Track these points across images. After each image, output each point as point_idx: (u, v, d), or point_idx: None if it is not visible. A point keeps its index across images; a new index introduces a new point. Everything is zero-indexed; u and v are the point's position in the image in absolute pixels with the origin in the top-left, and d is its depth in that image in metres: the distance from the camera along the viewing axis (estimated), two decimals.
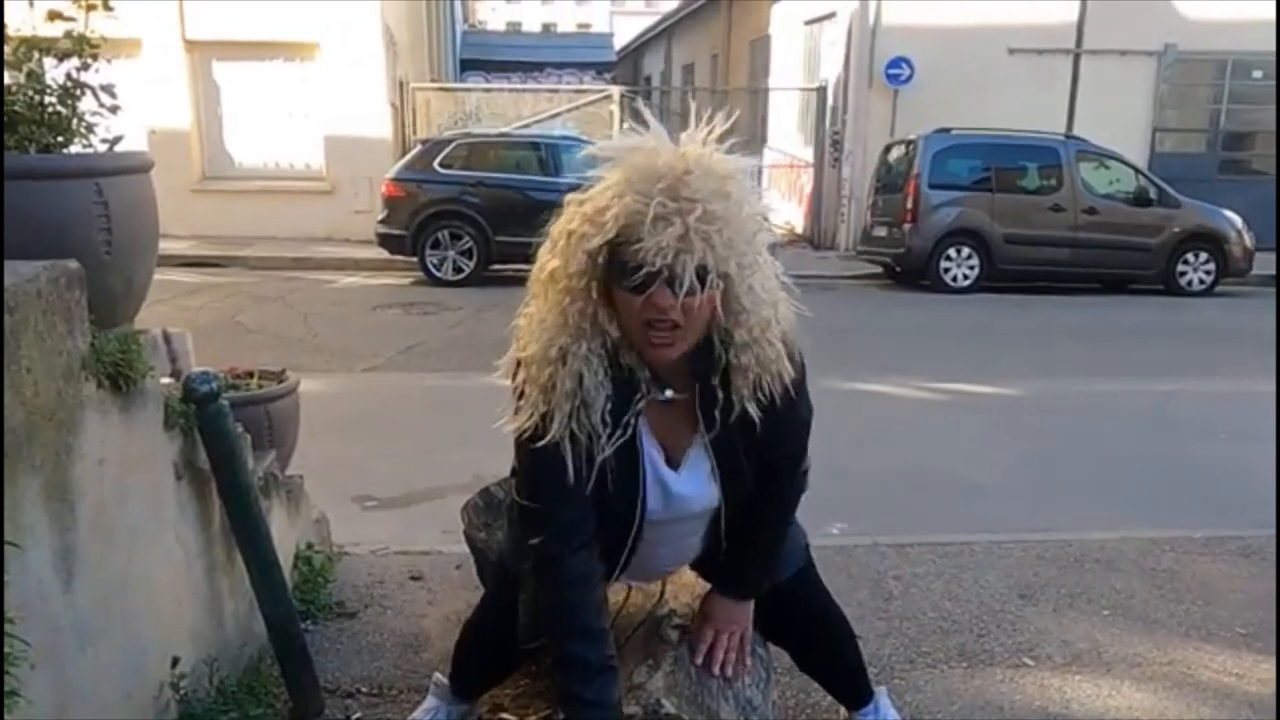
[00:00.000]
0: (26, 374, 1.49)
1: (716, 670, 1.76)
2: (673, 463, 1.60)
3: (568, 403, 1.45)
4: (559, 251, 1.41)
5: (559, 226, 1.44)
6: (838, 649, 2.07)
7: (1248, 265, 10.99)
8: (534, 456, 1.52)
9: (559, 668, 1.59)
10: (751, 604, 1.83)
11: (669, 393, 1.48)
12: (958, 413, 5.81)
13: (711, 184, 1.33)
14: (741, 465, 1.61)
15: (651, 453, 1.57)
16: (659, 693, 1.70)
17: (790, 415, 1.60)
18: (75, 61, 1.97)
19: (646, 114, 1.43)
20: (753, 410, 1.50)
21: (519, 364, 1.54)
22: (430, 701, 2.19)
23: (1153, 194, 10.91)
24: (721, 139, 1.42)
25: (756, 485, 1.67)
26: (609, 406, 1.47)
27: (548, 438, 1.47)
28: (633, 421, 1.51)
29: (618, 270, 1.37)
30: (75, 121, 1.96)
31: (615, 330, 1.44)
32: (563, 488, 1.51)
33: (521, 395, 1.54)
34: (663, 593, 2.03)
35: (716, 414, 1.53)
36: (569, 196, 1.46)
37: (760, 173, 15.08)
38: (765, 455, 1.64)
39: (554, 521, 1.55)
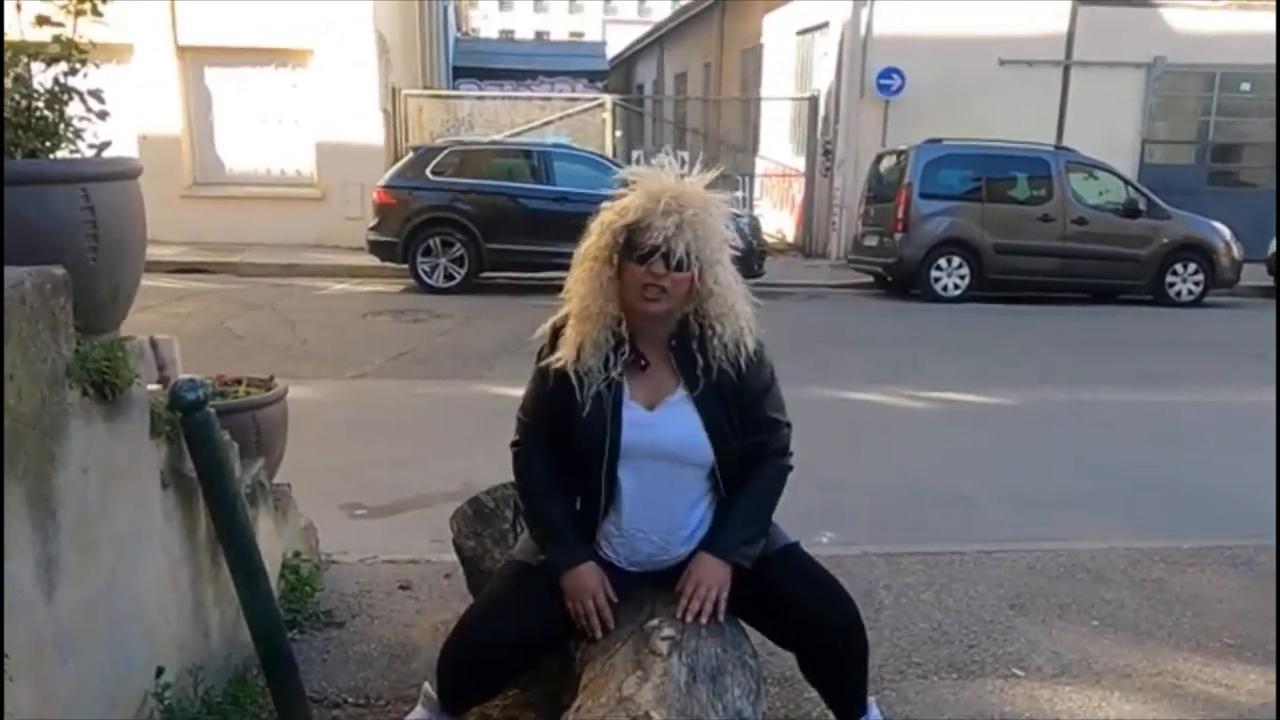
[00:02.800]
0: (10, 381, 1.47)
1: (690, 619, 1.92)
2: (650, 407, 1.99)
3: (581, 345, 1.95)
4: (594, 231, 1.95)
5: (599, 219, 1.96)
6: (843, 655, 2.04)
7: (1236, 276, 11.06)
8: (538, 377, 2.04)
9: (531, 527, 2.10)
10: (728, 570, 1.98)
11: (643, 361, 1.99)
12: (947, 422, 5.82)
13: (700, 201, 1.91)
14: (724, 419, 1.99)
15: (629, 401, 1.99)
16: (648, 704, 1.69)
17: (759, 374, 2.03)
18: (63, 66, 1.96)
19: (664, 159, 2.01)
20: (728, 369, 1.95)
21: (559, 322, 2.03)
22: (420, 713, 2.17)
23: (1142, 205, 10.98)
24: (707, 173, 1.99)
25: (743, 442, 2.02)
26: (603, 358, 1.96)
27: (559, 363, 1.96)
28: (616, 374, 1.96)
29: (630, 246, 1.88)
30: (63, 127, 1.95)
31: (616, 305, 1.94)
32: (550, 408, 2.00)
33: (556, 337, 2.02)
34: (653, 608, 2.01)
35: (698, 373, 1.96)
36: (606, 203, 1.97)
37: (752, 181, 15.14)
38: (748, 413, 2.02)
39: (533, 430, 2.06)
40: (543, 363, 2.02)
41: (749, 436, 2.02)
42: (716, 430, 1.98)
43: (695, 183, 1.94)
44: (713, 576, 1.95)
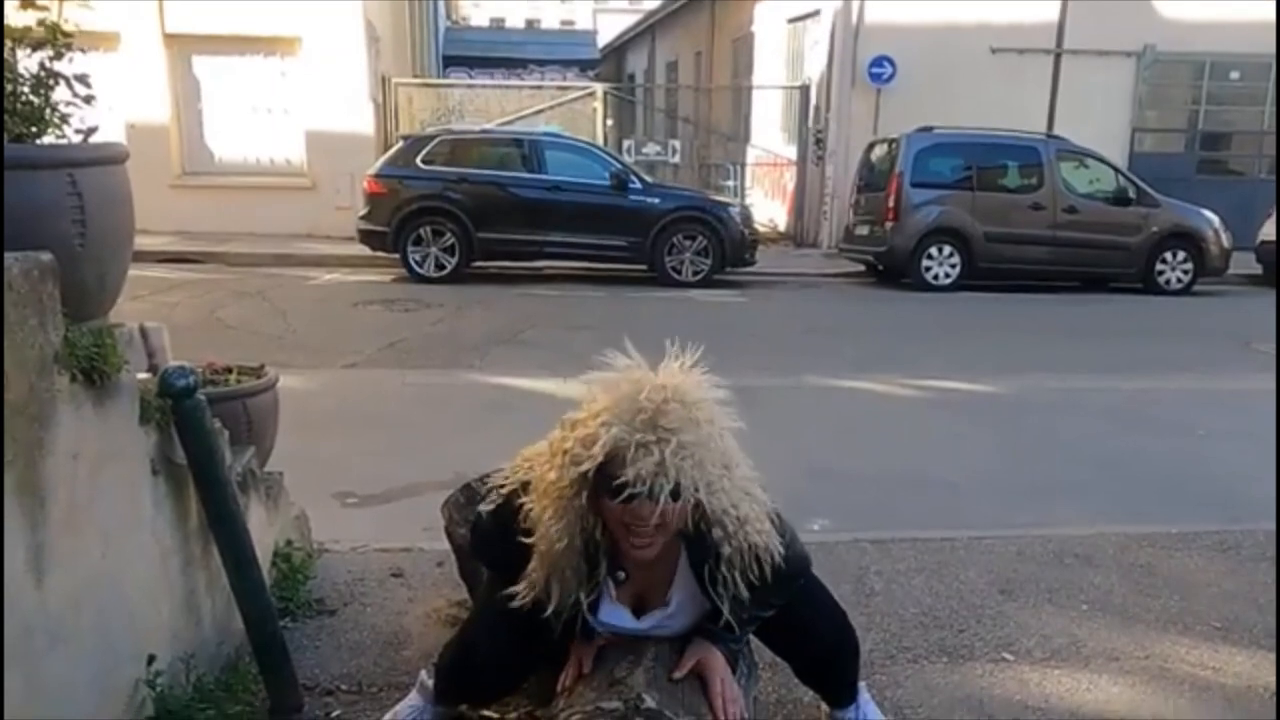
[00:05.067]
0: None
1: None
2: (639, 613, 1.85)
3: (549, 587, 1.73)
4: (556, 466, 1.64)
5: (556, 443, 1.66)
6: (841, 664, 2.11)
7: (1225, 264, 11.10)
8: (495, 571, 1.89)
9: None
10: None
11: (620, 574, 1.78)
12: (939, 409, 5.84)
13: (685, 413, 1.57)
14: (737, 617, 1.82)
15: (610, 603, 1.83)
16: (640, 687, 1.70)
17: (785, 582, 1.81)
18: (48, 51, 1.94)
19: (629, 346, 1.66)
20: (743, 590, 1.73)
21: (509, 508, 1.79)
22: (415, 699, 2.18)
23: (1132, 193, 11.01)
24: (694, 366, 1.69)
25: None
26: (574, 590, 1.75)
27: (523, 601, 1.76)
28: (589, 602, 1.78)
29: (604, 486, 1.59)
30: (48, 111, 1.93)
31: (595, 530, 1.68)
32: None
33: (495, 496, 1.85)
34: None
35: (722, 590, 1.74)
36: (565, 416, 1.67)
37: (743, 170, 15.13)
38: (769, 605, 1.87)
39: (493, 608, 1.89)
40: (507, 590, 1.78)
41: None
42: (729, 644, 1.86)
43: (673, 385, 1.61)
44: (721, 668, 1.81)
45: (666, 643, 1.87)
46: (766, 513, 1.73)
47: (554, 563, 1.69)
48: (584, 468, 1.58)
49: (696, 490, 1.57)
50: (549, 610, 1.74)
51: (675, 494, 1.55)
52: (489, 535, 1.86)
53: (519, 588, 1.74)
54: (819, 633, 2.03)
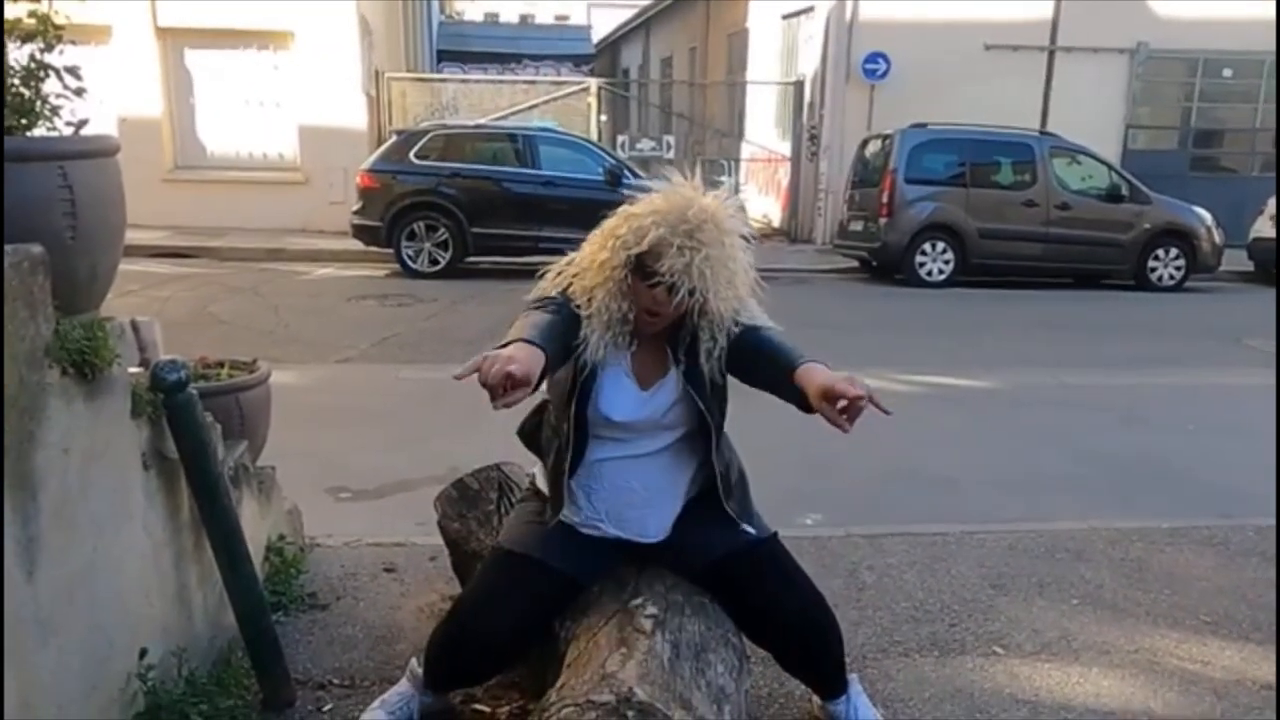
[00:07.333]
0: None
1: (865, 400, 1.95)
2: (644, 386, 2.11)
3: (596, 329, 2.03)
4: (609, 247, 1.99)
5: (612, 225, 2.02)
6: (817, 642, 2.11)
7: (1217, 261, 11.14)
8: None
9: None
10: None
11: (634, 346, 2.10)
12: (931, 405, 5.85)
13: (716, 235, 1.93)
14: (705, 395, 2.10)
15: (626, 378, 2.10)
16: (632, 681, 1.70)
17: (747, 337, 2.09)
18: (39, 43, 1.94)
19: (696, 177, 2.01)
20: (707, 368, 2.08)
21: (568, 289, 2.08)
22: (404, 687, 2.19)
23: (1125, 190, 11.03)
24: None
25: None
26: (604, 347, 2.04)
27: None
28: (613, 358, 2.07)
29: (640, 270, 1.95)
30: (39, 104, 1.92)
31: (627, 302, 2.02)
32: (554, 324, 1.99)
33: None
34: (636, 586, 2.03)
35: (687, 370, 2.09)
36: (623, 208, 2.02)
37: (738, 166, 15.13)
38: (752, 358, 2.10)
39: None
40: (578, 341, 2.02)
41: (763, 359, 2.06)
42: (705, 401, 2.08)
43: (712, 210, 1.95)
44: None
45: (659, 634, 1.87)
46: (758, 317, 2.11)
47: (604, 321, 2.01)
48: (632, 251, 1.94)
49: (706, 293, 1.94)
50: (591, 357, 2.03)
51: (691, 292, 1.92)
52: (552, 298, 2.08)
53: (579, 340, 2.02)
54: (777, 611, 2.08)
